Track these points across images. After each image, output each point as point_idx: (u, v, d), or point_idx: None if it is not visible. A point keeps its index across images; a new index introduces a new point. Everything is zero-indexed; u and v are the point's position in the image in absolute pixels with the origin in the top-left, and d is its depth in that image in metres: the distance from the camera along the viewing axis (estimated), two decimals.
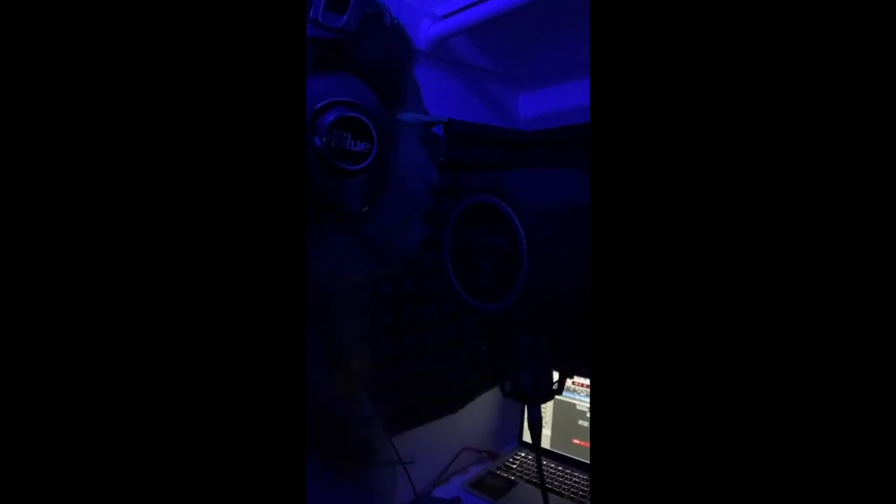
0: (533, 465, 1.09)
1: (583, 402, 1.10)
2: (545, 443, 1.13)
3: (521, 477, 1.06)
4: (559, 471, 1.06)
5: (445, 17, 0.91)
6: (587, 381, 1.08)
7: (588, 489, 0.98)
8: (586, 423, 1.08)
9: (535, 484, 1.03)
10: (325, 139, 0.32)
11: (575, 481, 1.02)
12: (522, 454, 1.14)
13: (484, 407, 1.13)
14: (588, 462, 1.03)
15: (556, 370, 0.51)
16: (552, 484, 1.02)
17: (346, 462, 0.35)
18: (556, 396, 0.50)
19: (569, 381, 1.13)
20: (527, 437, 1.17)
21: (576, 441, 1.10)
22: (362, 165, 0.34)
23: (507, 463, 1.11)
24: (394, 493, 0.44)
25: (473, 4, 0.85)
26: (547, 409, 1.13)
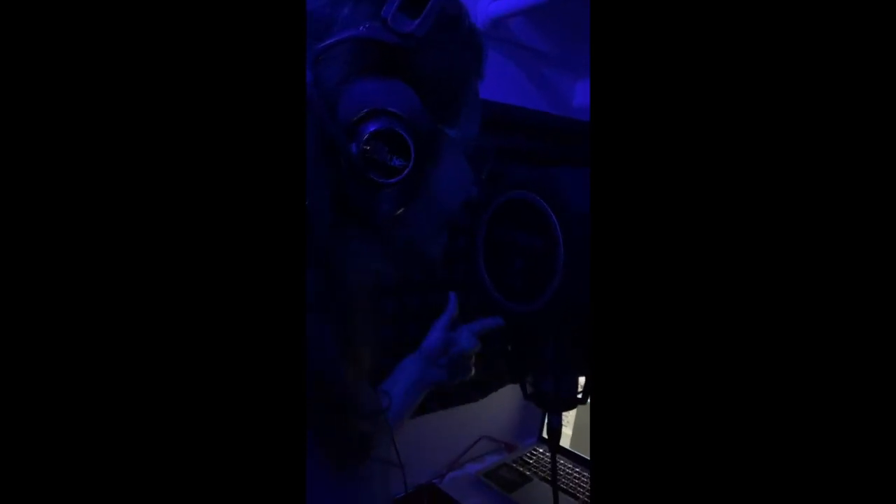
0: (549, 462, 1.07)
1: None
2: (565, 442, 1.11)
3: (536, 473, 1.05)
4: (576, 472, 1.04)
5: None
6: None
7: None
8: None
9: (549, 482, 1.01)
10: (361, 148, 0.32)
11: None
12: (540, 450, 1.13)
13: (507, 398, 1.12)
14: None
15: (582, 376, 0.49)
16: (567, 485, 1.00)
17: (345, 455, 0.35)
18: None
19: None
20: (547, 434, 1.15)
21: None
22: (394, 180, 0.33)
23: (523, 457, 1.10)
24: (387, 488, 0.44)
25: None
26: None
